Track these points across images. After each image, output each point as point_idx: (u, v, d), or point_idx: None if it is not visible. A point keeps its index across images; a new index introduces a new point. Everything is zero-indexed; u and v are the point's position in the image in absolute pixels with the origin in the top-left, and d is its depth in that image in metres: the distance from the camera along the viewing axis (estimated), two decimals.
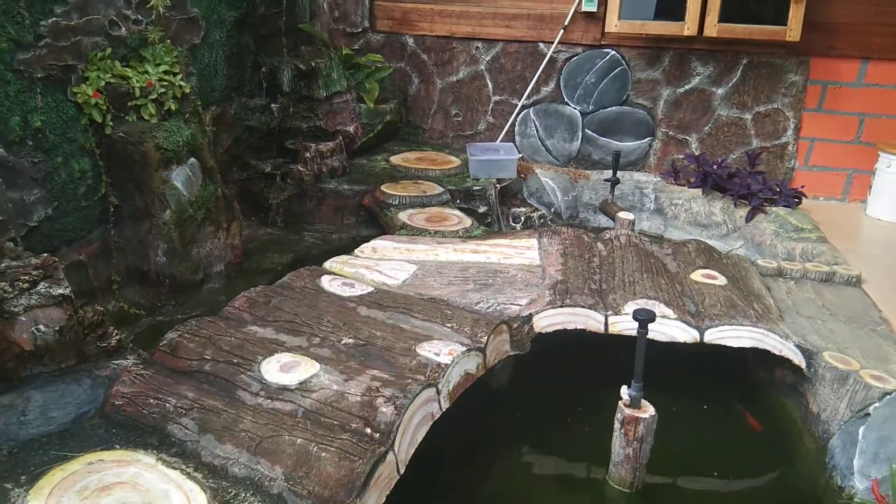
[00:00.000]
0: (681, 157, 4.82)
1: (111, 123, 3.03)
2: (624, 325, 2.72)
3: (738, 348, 2.71)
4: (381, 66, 4.93)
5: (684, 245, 3.54)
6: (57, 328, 2.17)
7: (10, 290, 2.11)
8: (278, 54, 4.39)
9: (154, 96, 3.11)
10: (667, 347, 2.71)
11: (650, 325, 2.29)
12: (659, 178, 4.82)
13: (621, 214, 3.89)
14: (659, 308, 2.75)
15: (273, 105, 4.35)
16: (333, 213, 4.32)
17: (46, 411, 2.08)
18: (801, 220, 4.08)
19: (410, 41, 5.15)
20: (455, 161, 4.78)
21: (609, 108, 4.91)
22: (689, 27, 4.40)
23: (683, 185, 4.68)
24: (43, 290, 2.16)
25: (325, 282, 2.93)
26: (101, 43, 3.05)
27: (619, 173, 4.55)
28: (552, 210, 4.77)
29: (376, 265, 3.15)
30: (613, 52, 4.78)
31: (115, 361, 2.33)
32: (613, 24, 4.56)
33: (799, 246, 3.83)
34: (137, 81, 3.07)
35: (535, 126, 5.09)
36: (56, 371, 2.21)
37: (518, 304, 2.77)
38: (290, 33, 4.41)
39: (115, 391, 2.17)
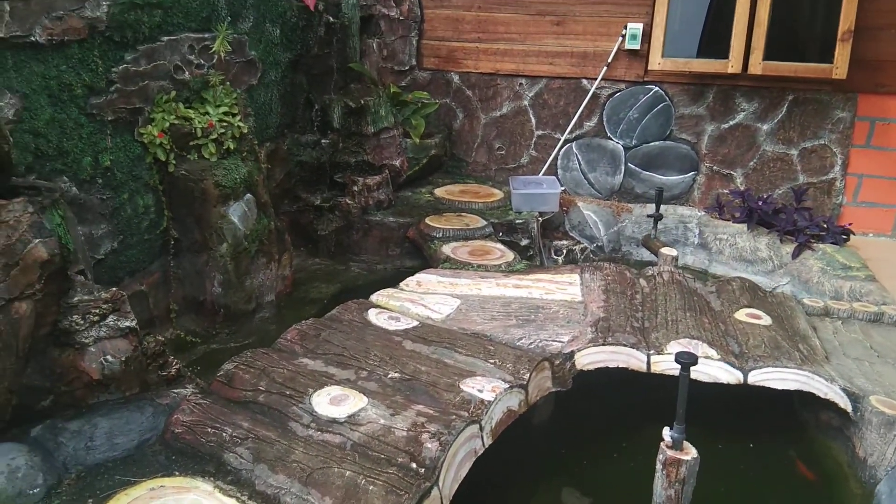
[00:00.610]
0: (725, 191, 4.82)
1: (174, 162, 3.22)
2: (666, 364, 2.73)
3: (783, 390, 2.70)
4: (427, 102, 5.08)
5: (728, 283, 3.54)
6: (123, 359, 2.31)
7: (82, 322, 2.26)
8: (329, 92, 4.57)
9: (214, 136, 3.29)
10: (710, 386, 2.71)
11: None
12: (703, 213, 4.82)
13: (664, 250, 3.90)
14: (702, 348, 2.76)
15: (323, 141, 4.51)
16: (379, 245, 4.44)
17: (112, 437, 2.21)
18: (848, 258, 4.03)
19: (456, 78, 5.29)
20: (498, 194, 4.86)
21: (652, 143, 4.95)
22: (733, 65, 4.43)
23: (728, 220, 4.66)
24: (111, 322, 2.31)
25: (372, 315, 3.02)
26: (167, 86, 3.25)
27: (662, 207, 4.57)
28: (594, 243, 4.81)
29: (421, 299, 3.23)
30: (657, 89, 4.83)
31: (175, 390, 2.45)
32: (657, 61, 4.62)
33: (846, 284, 3.78)
34: (199, 122, 3.25)
35: (578, 160, 5.15)
36: (121, 399, 2.35)
37: (560, 341, 2.81)
38: (340, 72, 4.59)
39: (175, 419, 2.29)
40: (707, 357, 2.73)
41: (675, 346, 2.77)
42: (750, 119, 4.73)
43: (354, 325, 2.92)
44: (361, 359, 2.61)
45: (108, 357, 2.28)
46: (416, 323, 2.96)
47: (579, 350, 2.76)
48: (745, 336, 2.93)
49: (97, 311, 2.29)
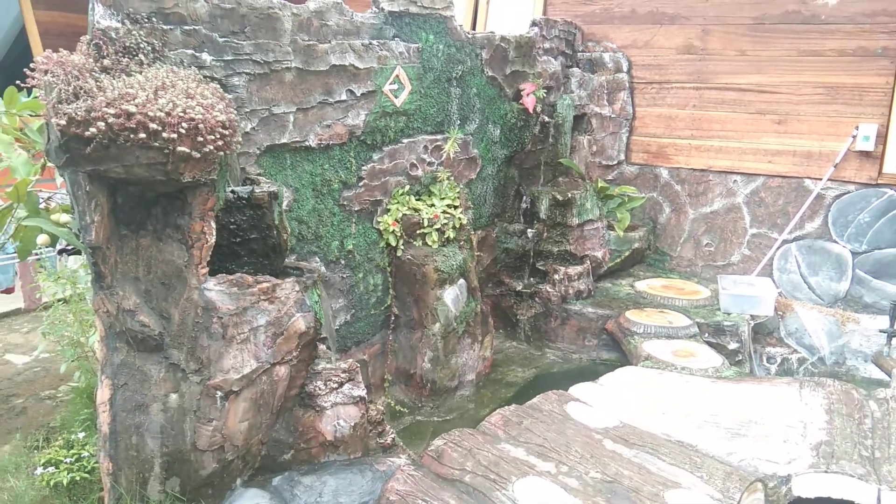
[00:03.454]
0: None
1: (402, 247, 3.60)
2: None
3: None
4: (633, 196, 5.14)
5: None
6: (352, 424, 2.60)
7: (324, 387, 2.59)
8: (538, 185, 4.82)
9: (438, 226, 3.64)
10: None
11: None
12: None
13: None
14: None
15: (529, 230, 4.74)
16: (575, 334, 4.50)
17: (337, 496, 2.47)
18: None
19: (664, 173, 5.30)
20: (703, 292, 4.71)
21: (886, 250, 4.53)
22: None
23: None
24: (347, 390, 2.62)
25: (572, 408, 3.07)
26: (402, 181, 3.68)
27: None
28: (815, 355, 4.44)
29: (621, 397, 3.22)
30: (892, 192, 4.45)
31: (391, 458, 2.68)
32: (894, 164, 4.28)
33: None
34: (426, 213, 3.63)
35: (798, 262, 4.85)
36: (346, 461, 2.62)
37: (775, 462, 2.65)
38: (550, 166, 4.84)
39: (390, 487, 2.50)
40: None
41: None
42: None
43: (554, 417, 2.99)
44: (562, 452, 2.67)
45: (341, 421, 2.58)
46: (617, 422, 2.96)
47: (798, 475, 2.58)
48: None
49: (336, 379, 2.61)
